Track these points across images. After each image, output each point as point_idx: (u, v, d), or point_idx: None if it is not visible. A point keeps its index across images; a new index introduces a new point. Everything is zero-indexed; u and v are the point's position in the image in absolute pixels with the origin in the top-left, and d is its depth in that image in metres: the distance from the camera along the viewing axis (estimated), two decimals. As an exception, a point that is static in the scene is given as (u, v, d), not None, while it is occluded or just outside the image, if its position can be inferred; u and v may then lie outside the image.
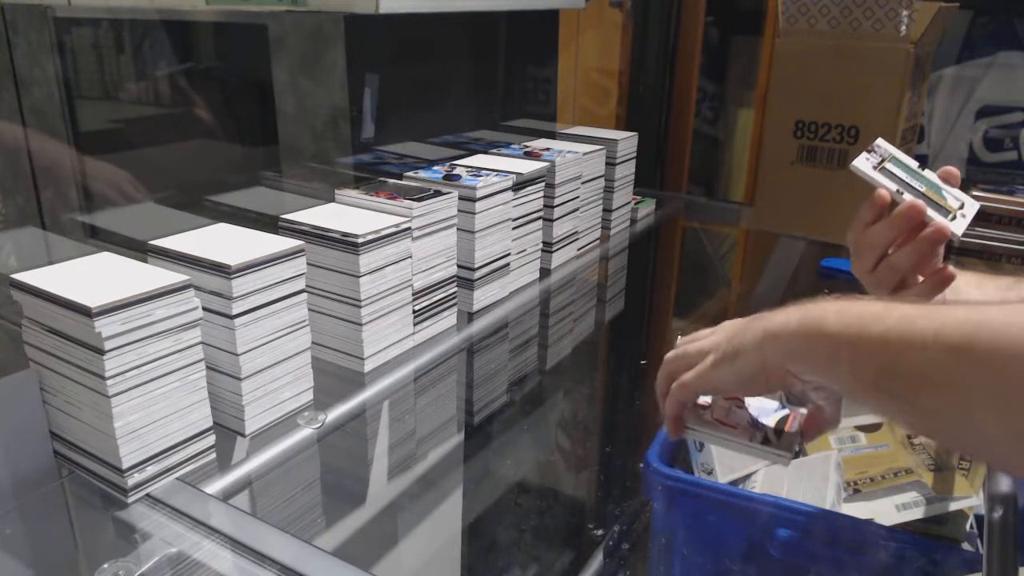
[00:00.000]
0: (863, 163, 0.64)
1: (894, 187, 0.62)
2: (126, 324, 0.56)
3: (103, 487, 0.60)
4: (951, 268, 0.62)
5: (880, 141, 0.66)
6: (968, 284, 0.63)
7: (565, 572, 0.83)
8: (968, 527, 0.75)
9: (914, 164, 0.65)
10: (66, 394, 0.59)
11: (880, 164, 0.64)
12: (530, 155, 1.08)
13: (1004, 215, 0.90)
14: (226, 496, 0.61)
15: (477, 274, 0.93)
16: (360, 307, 0.76)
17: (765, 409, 0.56)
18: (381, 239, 0.76)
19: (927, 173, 0.65)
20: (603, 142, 1.19)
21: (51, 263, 0.62)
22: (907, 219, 0.60)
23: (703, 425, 0.56)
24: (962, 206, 0.63)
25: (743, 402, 0.57)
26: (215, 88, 1.12)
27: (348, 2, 0.82)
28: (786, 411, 0.56)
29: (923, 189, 0.63)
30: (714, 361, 0.52)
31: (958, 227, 0.60)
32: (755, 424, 0.55)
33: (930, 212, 0.60)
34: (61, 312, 0.56)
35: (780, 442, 0.54)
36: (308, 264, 0.70)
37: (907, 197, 0.61)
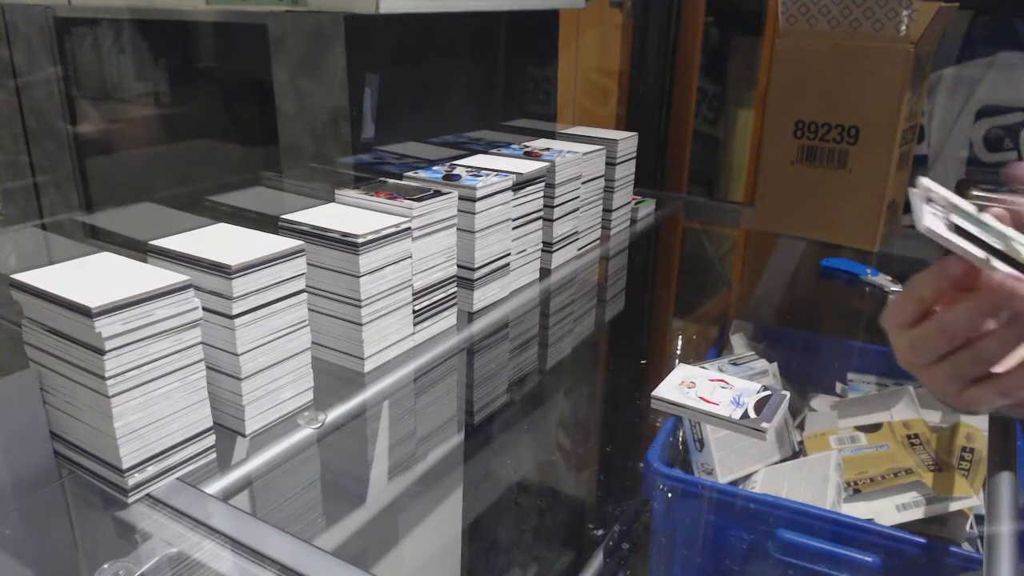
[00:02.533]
0: (934, 222, 0.46)
1: (982, 255, 0.46)
2: (126, 324, 0.56)
3: (103, 487, 0.60)
4: None
5: (928, 183, 0.49)
6: None
7: (565, 572, 0.83)
8: (968, 527, 0.75)
9: (972, 209, 0.50)
10: (66, 394, 0.59)
11: (947, 219, 0.48)
12: (530, 155, 1.08)
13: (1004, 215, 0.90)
14: (226, 496, 0.61)
15: (477, 274, 0.93)
16: (360, 307, 0.76)
17: (748, 390, 0.59)
18: (381, 239, 0.76)
19: (987, 218, 0.49)
20: (603, 142, 1.19)
21: (51, 263, 0.62)
22: (1009, 298, 0.45)
23: (688, 401, 0.58)
24: None
25: (728, 383, 0.59)
26: (215, 88, 1.12)
27: (348, 2, 0.82)
28: (767, 392, 0.58)
29: (999, 245, 0.47)
30: None
31: None
32: (736, 403, 0.58)
33: None
34: (61, 312, 0.56)
35: (757, 419, 0.56)
36: (308, 264, 0.70)
37: (999, 268, 0.45)
